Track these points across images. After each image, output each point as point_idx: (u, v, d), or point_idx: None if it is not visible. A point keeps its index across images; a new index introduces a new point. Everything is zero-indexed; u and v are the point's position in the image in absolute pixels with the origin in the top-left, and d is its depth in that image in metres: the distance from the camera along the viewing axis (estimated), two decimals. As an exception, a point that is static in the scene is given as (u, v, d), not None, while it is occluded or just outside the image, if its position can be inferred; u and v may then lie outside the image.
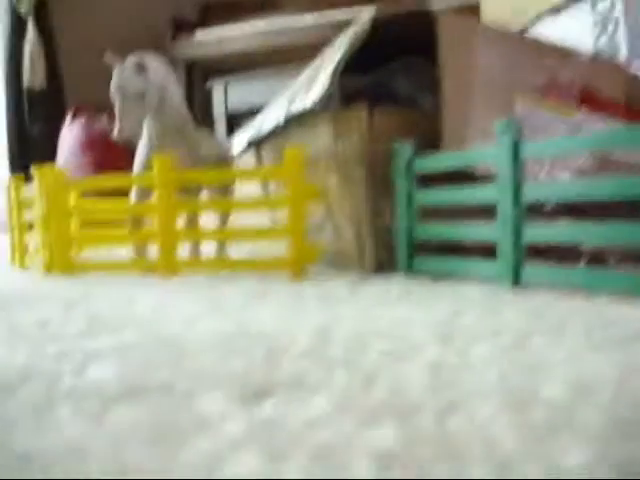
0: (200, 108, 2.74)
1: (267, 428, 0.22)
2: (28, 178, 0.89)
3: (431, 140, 0.66)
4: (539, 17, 1.23)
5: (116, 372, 0.29)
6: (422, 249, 0.68)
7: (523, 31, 1.22)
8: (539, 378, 0.27)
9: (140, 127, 0.72)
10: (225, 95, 2.50)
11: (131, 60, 0.72)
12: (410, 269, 0.67)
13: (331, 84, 0.66)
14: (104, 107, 2.19)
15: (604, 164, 0.70)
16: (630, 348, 0.32)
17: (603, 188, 0.48)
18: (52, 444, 0.21)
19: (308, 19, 2.43)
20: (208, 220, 1.00)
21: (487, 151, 0.58)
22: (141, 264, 0.77)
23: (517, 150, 0.54)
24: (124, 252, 0.84)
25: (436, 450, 0.20)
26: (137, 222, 0.80)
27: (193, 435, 0.22)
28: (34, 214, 0.84)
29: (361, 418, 0.23)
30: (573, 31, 1.16)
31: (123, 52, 0.98)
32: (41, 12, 2.69)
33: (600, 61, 0.75)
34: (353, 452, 0.20)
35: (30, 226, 0.93)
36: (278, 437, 0.21)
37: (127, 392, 0.26)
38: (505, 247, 0.55)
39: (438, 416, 0.23)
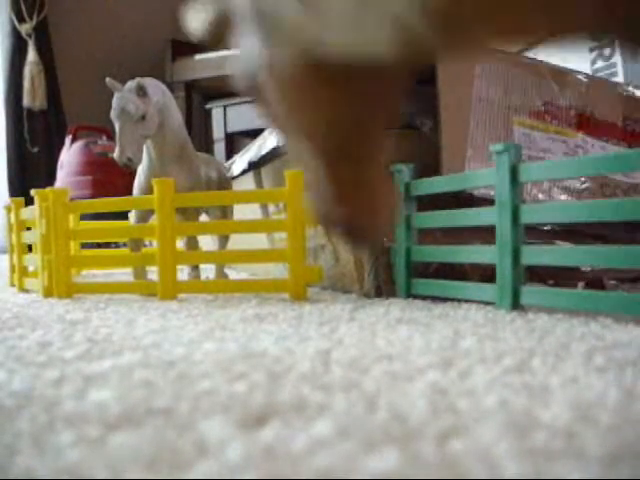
0: (199, 130, 2.76)
1: (268, 453, 0.22)
2: (28, 199, 0.89)
3: (430, 163, 0.67)
4: (536, 41, 1.24)
5: (116, 396, 0.29)
6: (421, 272, 0.68)
7: (521, 53, 1.23)
8: (540, 401, 0.27)
9: (140, 150, 0.72)
10: (224, 117, 2.51)
11: (131, 84, 0.72)
12: (409, 292, 0.67)
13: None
14: (104, 127, 2.21)
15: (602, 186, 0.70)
16: (632, 370, 0.32)
17: (602, 210, 0.48)
18: (52, 469, 0.21)
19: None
20: (207, 242, 1.00)
21: (486, 174, 0.58)
22: (141, 286, 0.77)
23: (516, 172, 0.54)
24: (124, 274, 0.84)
25: (437, 474, 0.20)
26: (137, 244, 0.80)
27: (193, 460, 0.21)
28: (34, 236, 0.84)
29: (362, 442, 0.23)
30: (570, 55, 1.17)
31: (123, 74, 0.98)
32: (42, 34, 2.70)
33: (597, 84, 0.76)
34: (354, 476, 0.20)
35: (29, 248, 0.93)
36: (279, 462, 0.21)
37: (127, 416, 0.26)
38: (504, 270, 0.55)
39: (439, 440, 0.23)
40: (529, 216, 0.54)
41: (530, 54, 1.24)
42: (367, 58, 0.25)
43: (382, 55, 0.25)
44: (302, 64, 0.26)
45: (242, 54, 0.30)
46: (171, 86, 2.47)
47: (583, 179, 0.70)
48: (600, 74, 1.12)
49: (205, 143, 2.62)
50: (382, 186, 0.30)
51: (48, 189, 0.78)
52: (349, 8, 0.23)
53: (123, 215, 0.93)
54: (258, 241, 0.99)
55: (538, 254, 0.54)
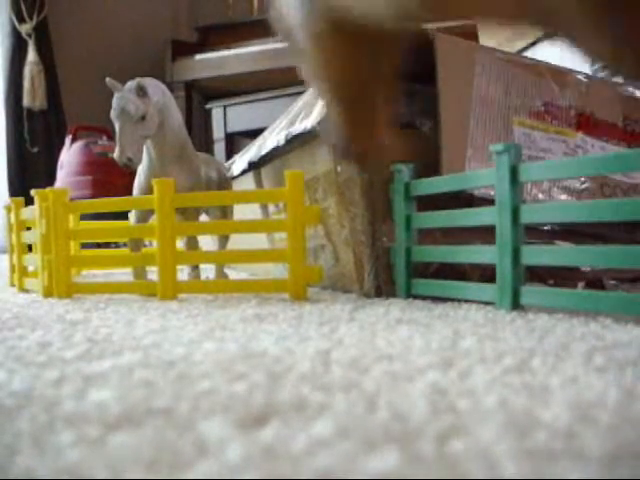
0: (199, 130, 2.75)
1: (268, 453, 0.22)
2: (28, 199, 0.89)
3: (430, 163, 0.67)
4: (536, 40, 1.25)
5: (116, 396, 0.29)
6: (421, 272, 0.68)
7: (521, 53, 1.23)
8: (540, 401, 0.27)
9: (140, 150, 0.72)
10: (224, 117, 2.51)
11: (131, 84, 0.72)
12: (409, 292, 0.67)
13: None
14: (104, 127, 2.21)
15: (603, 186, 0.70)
16: (632, 370, 0.32)
17: (602, 210, 0.48)
18: (52, 469, 0.21)
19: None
20: (207, 242, 1.00)
21: (486, 174, 0.58)
22: (141, 286, 0.77)
23: (516, 172, 0.54)
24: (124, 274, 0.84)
25: (437, 474, 0.20)
26: (137, 244, 0.80)
27: (193, 460, 0.21)
28: (34, 236, 0.84)
29: (362, 442, 0.23)
30: (569, 55, 1.17)
31: (123, 74, 0.98)
32: (42, 34, 2.70)
33: (597, 84, 0.76)
34: (354, 476, 0.20)
35: (29, 248, 0.93)
36: (279, 462, 0.21)
37: (127, 416, 0.26)
38: (504, 270, 0.55)
39: (439, 440, 0.23)
40: (529, 216, 0.54)
41: (530, 54, 1.24)
42: (374, 22, 0.34)
43: (384, 20, 0.33)
44: (327, 24, 0.35)
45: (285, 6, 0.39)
46: (171, 86, 2.47)
47: (583, 179, 0.70)
48: (600, 74, 1.12)
49: (205, 143, 2.62)
50: (386, 128, 0.38)
51: (48, 189, 0.78)
52: None
53: (123, 215, 0.93)
54: (258, 241, 0.99)
55: (538, 254, 0.54)
